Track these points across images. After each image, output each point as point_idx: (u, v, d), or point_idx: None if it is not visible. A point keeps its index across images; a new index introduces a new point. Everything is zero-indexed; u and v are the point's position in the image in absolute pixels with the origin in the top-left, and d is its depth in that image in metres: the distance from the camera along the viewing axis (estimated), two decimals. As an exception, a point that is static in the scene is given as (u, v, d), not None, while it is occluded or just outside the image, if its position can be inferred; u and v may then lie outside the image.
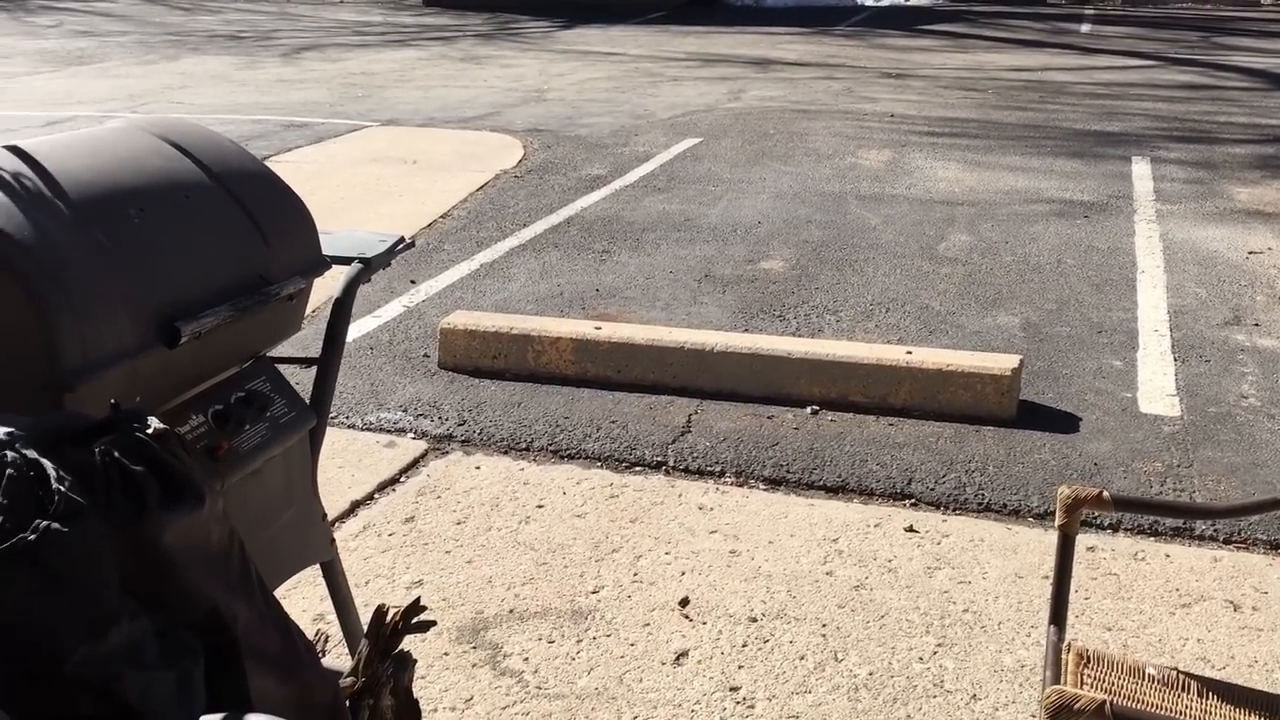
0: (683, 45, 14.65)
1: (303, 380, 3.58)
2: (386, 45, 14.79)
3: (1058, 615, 1.83)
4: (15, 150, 1.68)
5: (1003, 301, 4.86)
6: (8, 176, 1.60)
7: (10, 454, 1.19)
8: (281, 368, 2.01)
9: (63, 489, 1.18)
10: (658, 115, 9.45)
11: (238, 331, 1.79)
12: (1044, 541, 3.03)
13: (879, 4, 20.41)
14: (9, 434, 1.25)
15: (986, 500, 3.25)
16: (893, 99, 10.16)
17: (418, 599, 2.03)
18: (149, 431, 1.30)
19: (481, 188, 6.97)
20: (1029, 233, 5.88)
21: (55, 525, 1.15)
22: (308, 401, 2.00)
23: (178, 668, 1.27)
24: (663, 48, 14.38)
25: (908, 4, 20.46)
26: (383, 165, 7.56)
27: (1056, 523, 1.83)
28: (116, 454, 1.26)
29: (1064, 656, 1.78)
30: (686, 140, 8.35)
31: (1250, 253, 5.47)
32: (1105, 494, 1.80)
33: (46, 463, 1.20)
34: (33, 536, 1.13)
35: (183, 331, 1.61)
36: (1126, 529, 3.07)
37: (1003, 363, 3.76)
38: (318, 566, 2.19)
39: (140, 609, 1.25)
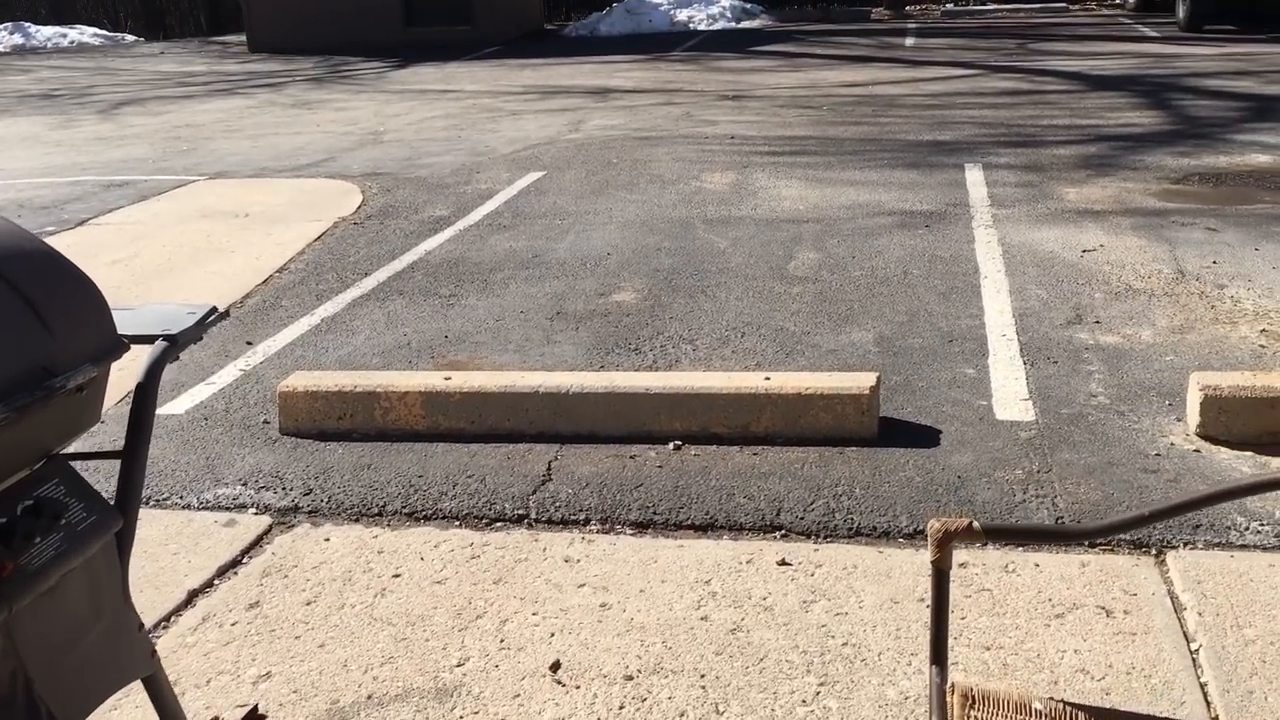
0: (520, 78, 14.57)
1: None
2: (212, 95, 14.29)
3: (938, 655, 1.75)
4: None
5: (855, 317, 4.86)
6: None
7: None
8: (85, 464, 1.81)
9: None
10: (499, 151, 9.31)
11: (19, 433, 1.58)
12: (915, 562, 2.99)
13: (711, 28, 20.72)
14: None
15: (856, 525, 3.20)
16: (732, 120, 10.25)
17: (254, 707, 1.84)
18: (-100, 569, 1.11)
19: (319, 237, 6.72)
20: (874, 246, 5.94)
21: None
22: (112, 501, 1.79)
23: None
24: (500, 82, 14.26)
25: (738, 27, 20.83)
26: (213, 220, 7.23)
27: (930, 558, 1.76)
28: None
29: (949, 699, 1.70)
30: (530, 174, 8.24)
31: (1084, 251, 5.62)
32: (975, 525, 1.73)
33: None
34: None
35: (-55, 442, 1.41)
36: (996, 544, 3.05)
37: (861, 381, 3.73)
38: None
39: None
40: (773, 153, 8.63)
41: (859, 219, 6.51)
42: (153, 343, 1.94)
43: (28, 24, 24.04)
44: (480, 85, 14.04)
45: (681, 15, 21.19)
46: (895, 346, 4.49)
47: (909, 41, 16.91)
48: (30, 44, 23.32)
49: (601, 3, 23.32)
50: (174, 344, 1.96)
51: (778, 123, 10.03)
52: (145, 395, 1.90)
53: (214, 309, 2.10)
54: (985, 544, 3.03)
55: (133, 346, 1.83)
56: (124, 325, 1.84)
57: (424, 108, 12.21)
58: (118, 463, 1.86)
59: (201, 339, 2.05)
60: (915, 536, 3.12)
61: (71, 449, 1.80)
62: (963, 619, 2.72)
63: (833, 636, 2.69)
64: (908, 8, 22.24)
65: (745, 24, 21.13)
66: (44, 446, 1.69)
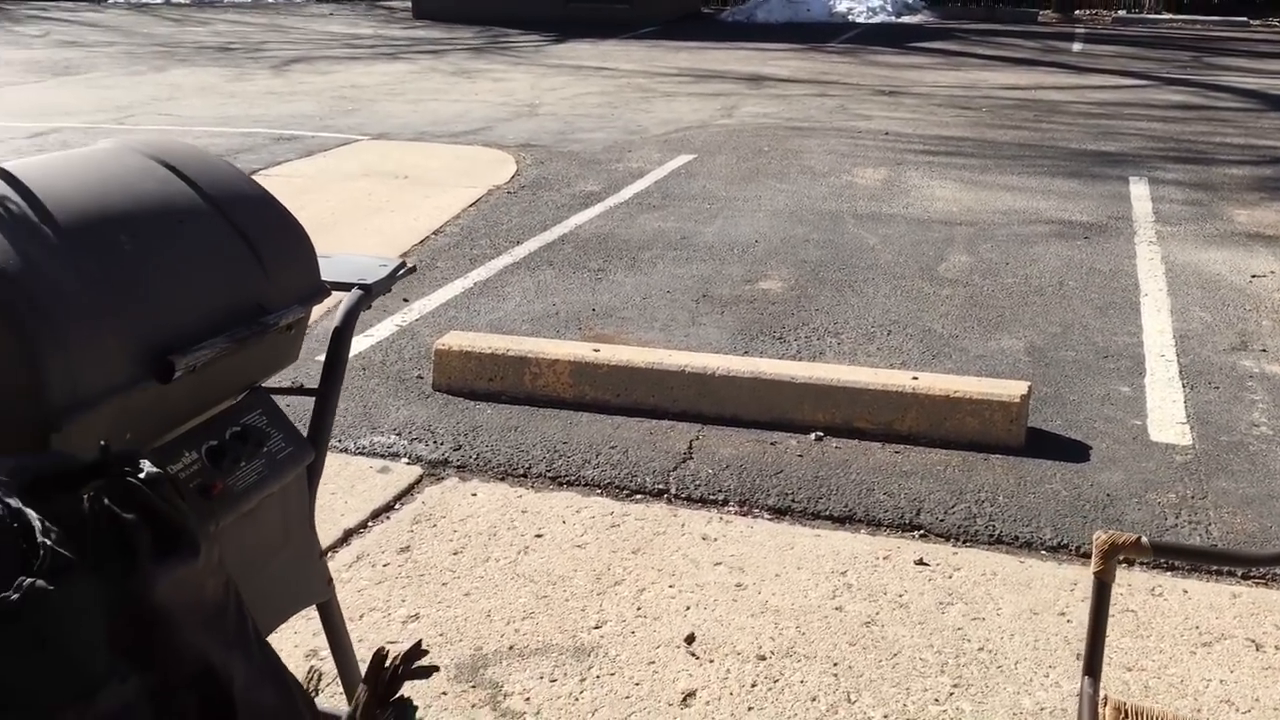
0: (675, 60, 14.62)
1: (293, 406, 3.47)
2: (377, 58, 14.72)
3: (1092, 666, 1.75)
4: None
5: (1006, 325, 4.79)
6: (-9, 200, 1.51)
7: (-8, 503, 1.10)
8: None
9: (49, 542, 1.09)
10: (651, 131, 9.38)
11: (234, 363, 1.70)
12: (1058, 576, 2.95)
13: (870, 20, 20.44)
14: (-9, 480, 1.16)
15: (998, 532, 3.17)
16: (887, 116, 10.12)
17: (419, 642, 1.93)
18: (141, 475, 1.22)
19: (474, 203, 6.89)
20: (1029, 254, 5.82)
21: (40, 583, 1.06)
22: (305, 434, 1.90)
23: (171, 733, 1.18)
24: (655, 63, 14.34)
25: (899, 21, 20.50)
26: (374, 180, 7.47)
27: (1093, 569, 1.75)
28: (106, 501, 1.17)
29: (1101, 711, 1.70)
30: (681, 157, 8.29)
31: (1253, 276, 5.42)
32: (1144, 540, 1.72)
33: (31, 513, 1.11)
34: (15, 596, 1.04)
35: (177, 365, 1.52)
36: (1143, 564, 3.00)
37: (1011, 389, 3.68)
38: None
39: (130, 669, 1.16)
40: (927, 152, 8.51)
41: (1014, 225, 6.39)
42: (349, 290, 2.06)
43: (208, -22, 25.03)
44: (635, 65, 14.14)
45: (840, 6, 20.95)
46: (1047, 357, 4.41)
47: (1076, 47, 16.41)
48: (209, -2, 24.30)
49: (760, -11, 23.18)
50: (368, 293, 2.07)
51: (934, 121, 9.87)
52: (341, 339, 2.01)
53: (403, 263, 2.20)
54: (1136, 561, 2.97)
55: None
56: (323, 272, 1.95)
57: (579, 83, 12.36)
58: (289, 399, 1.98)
59: (390, 290, 2.16)
60: (1058, 550, 3.08)
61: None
62: (1105, 638, 2.68)
63: (968, 640, 2.68)
64: (1077, 12, 21.56)
65: (905, 19, 20.79)
66: (251, 378, 1.81)
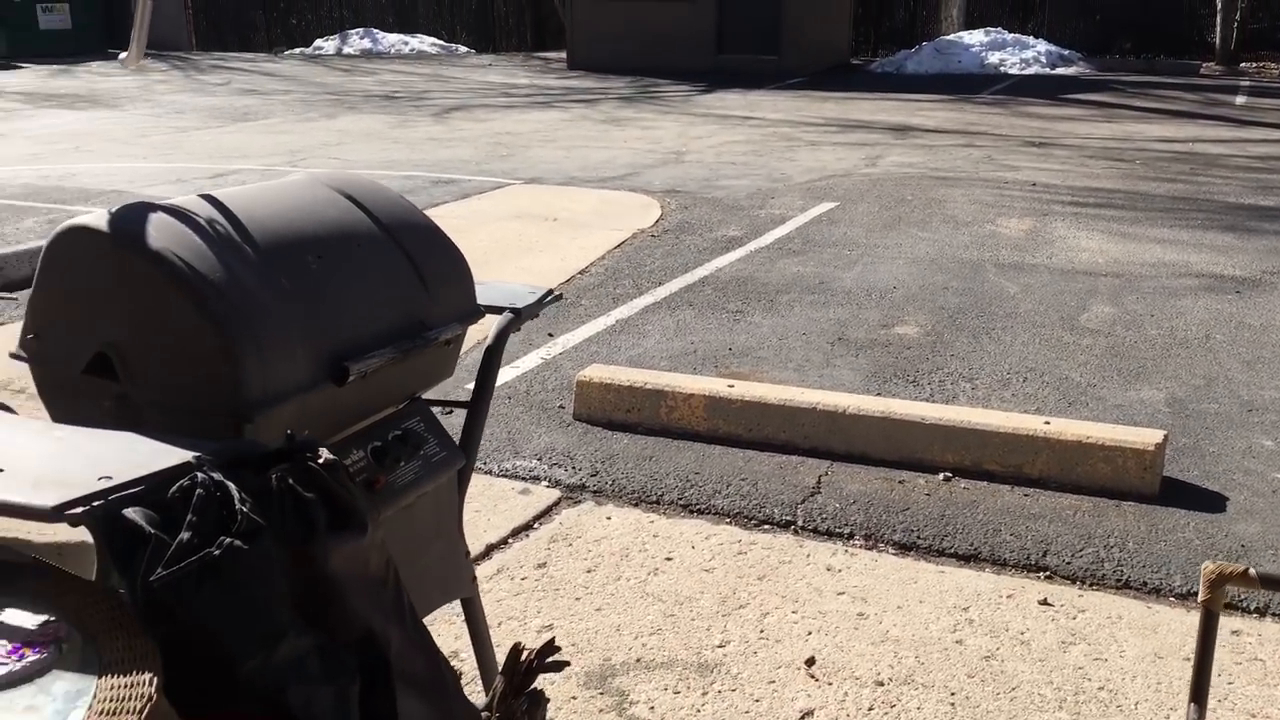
0: (821, 110, 14.74)
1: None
2: (531, 106, 15.26)
3: (1199, 693, 1.79)
4: (208, 198, 1.83)
5: (1147, 375, 4.74)
6: (202, 222, 1.74)
7: (201, 475, 1.30)
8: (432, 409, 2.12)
9: (245, 509, 1.27)
10: (794, 179, 9.52)
11: (398, 373, 1.90)
12: (1185, 623, 2.94)
13: (1023, 72, 20.20)
14: (198, 457, 1.36)
15: (1126, 577, 3.17)
16: (1035, 168, 10.03)
17: (552, 639, 2.09)
18: (320, 461, 1.40)
19: (619, 245, 7.13)
20: (1175, 306, 5.73)
21: (238, 542, 1.24)
22: (457, 443, 2.09)
23: (337, 684, 1.35)
24: (801, 113, 14.49)
25: (1053, 73, 20.20)
26: (525, 221, 7.80)
27: (1200, 598, 1.80)
28: (291, 481, 1.35)
29: (1205, 736, 1.74)
30: (822, 204, 8.39)
31: None
32: (1251, 571, 1.77)
33: (231, 485, 1.30)
34: (218, 551, 1.23)
35: (351, 371, 1.72)
36: (1275, 614, 2.96)
37: (1146, 437, 3.67)
38: (452, 606, 2.28)
39: (306, 626, 1.33)
40: (1075, 203, 8.41)
41: (1162, 278, 6.28)
42: (500, 313, 2.25)
43: (376, 30, 26.37)
44: (781, 114, 14.32)
45: (993, 58, 20.78)
46: (1188, 409, 4.36)
47: (1239, 100, 15.92)
48: (377, 48, 25.58)
49: (911, 41, 23.20)
50: (518, 316, 2.26)
51: (1084, 173, 9.74)
52: (492, 357, 2.21)
53: (550, 291, 2.39)
54: (1269, 612, 2.94)
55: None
56: (478, 296, 2.15)
57: (725, 132, 12.59)
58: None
59: (538, 315, 2.35)
60: (1188, 597, 3.07)
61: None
62: (1230, 684, 2.67)
63: (1089, 679, 2.70)
64: (1242, 65, 20.89)
65: (1060, 70, 20.47)
66: (412, 388, 2.01)
